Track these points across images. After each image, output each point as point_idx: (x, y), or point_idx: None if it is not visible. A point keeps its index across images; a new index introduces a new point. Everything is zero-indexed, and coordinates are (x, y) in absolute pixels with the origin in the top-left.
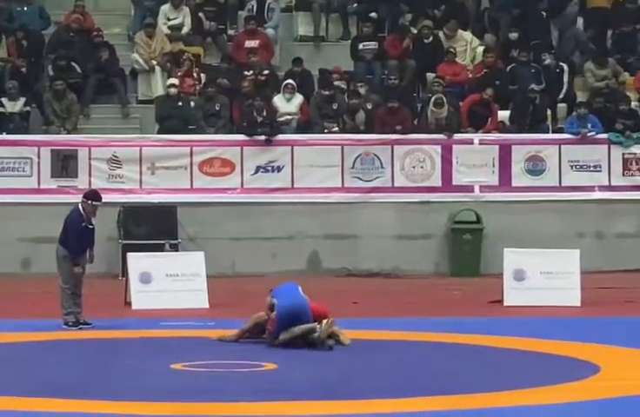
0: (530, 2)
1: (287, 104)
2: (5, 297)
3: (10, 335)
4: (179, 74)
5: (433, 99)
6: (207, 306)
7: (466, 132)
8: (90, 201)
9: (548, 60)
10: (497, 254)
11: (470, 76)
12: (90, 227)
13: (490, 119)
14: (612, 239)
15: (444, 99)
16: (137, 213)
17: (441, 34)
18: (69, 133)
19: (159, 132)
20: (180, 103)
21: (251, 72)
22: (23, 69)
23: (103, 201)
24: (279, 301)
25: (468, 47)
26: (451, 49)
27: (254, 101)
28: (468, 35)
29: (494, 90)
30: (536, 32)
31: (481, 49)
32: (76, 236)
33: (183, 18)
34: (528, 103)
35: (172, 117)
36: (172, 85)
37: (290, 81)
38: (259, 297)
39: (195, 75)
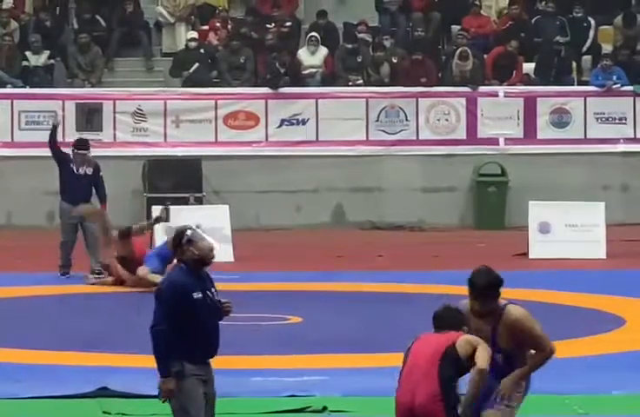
0: None
1: (311, 57)
2: (31, 250)
3: (36, 289)
4: (214, 24)
5: (458, 52)
6: (232, 259)
7: (491, 84)
8: (75, 150)
9: (577, 14)
10: (522, 206)
11: (495, 28)
12: (81, 173)
13: (514, 71)
14: (637, 191)
15: (469, 52)
16: (162, 166)
17: None
18: (93, 86)
19: (184, 85)
20: (202, 51)
21: (273, 24)
22: (48, 23)
23: (129, 154)
24: None
25: None
26: (476, 1)
27: (278, 54)
28: None
29: (519, 42)
30: None
31: (506, 0)
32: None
33: None
34: (553, 55)
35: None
36: (193, 39)
37: (313, 34)
38: (284, 250)
39: (229, 27)
